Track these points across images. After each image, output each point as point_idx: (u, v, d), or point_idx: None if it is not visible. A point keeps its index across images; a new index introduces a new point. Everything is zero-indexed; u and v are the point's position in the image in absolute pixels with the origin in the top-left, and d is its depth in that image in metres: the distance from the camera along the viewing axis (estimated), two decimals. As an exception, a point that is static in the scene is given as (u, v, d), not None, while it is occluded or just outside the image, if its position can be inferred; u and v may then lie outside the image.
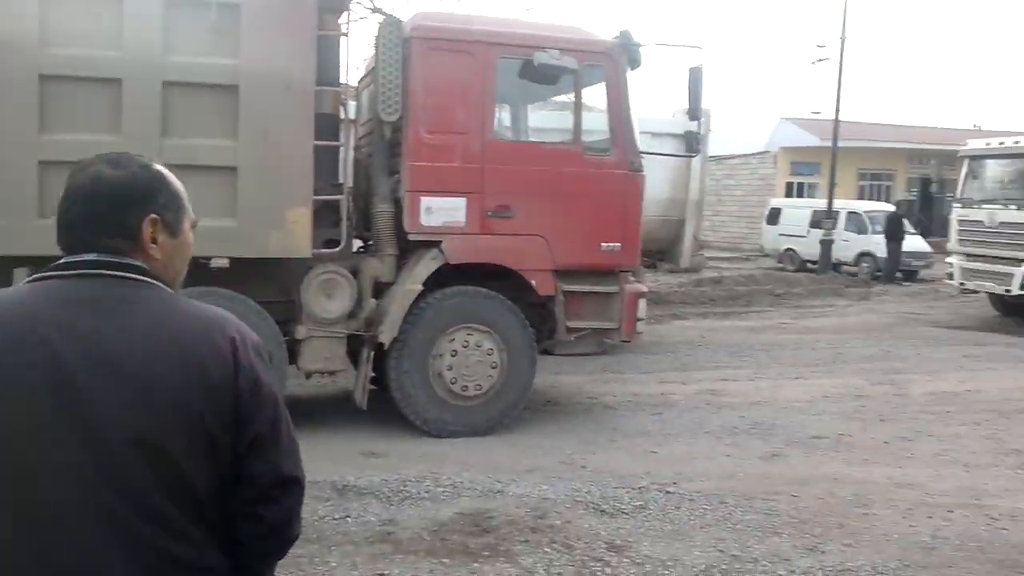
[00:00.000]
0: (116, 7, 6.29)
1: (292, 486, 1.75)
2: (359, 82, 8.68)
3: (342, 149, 7.58)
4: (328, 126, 7.26)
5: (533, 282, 7.45)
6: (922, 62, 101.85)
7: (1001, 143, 15.66)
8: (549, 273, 7.48)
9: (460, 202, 7.29)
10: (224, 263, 6.58)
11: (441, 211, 7.26)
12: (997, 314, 15.75)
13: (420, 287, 7.16)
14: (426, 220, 7.22)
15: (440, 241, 7.26)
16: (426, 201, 7.22)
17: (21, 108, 6.17)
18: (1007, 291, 14.27)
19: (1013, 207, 14.33)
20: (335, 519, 5.26)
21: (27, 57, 6.15)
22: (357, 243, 8.00)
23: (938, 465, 6.83)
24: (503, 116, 8.62)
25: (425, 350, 7.21)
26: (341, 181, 7.51)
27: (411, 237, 7.30)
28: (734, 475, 6.43)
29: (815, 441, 7.40)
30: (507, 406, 7.44)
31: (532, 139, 8.79)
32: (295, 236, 6.75)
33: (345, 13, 7.67)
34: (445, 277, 7.32)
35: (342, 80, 7.60)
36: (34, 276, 1.68)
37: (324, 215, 7.22)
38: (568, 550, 4.92)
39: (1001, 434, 7.77)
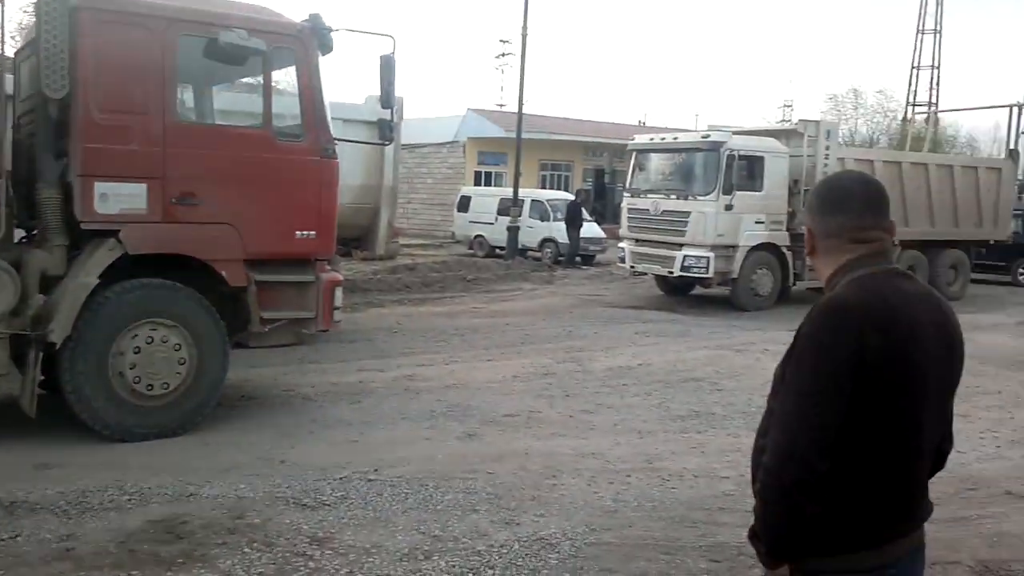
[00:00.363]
0: None
1: None
2: (16, 54, 7.80)
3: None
4: (-20, 101, 6.45)
5: (223, 273, 7.11)
6: (596, 59, 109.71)
7: (663, 138, 17.30)
8: (240, 263, 7.17)
9: (140, 188, 6.79)
10: None
11: (118, 197, 6.72)
12: (662, 293, 17.41)
13: (95, 280, 6.58)
14: (101, 207, 6.65)
15: (118, 230, 6.72)
16: (100, 187, 6.64)
17: None
18: (670, 272, 15.84)
19: (673, 196, 15.88)
20: (3, 540, 4.73)
21: None
22: (20, 233, 7.21)
23: (616, 434, 7.41)
24: (187, 97, 8.15)
25: (103, 348, 6.65)
26: (-2, 164, 6.71)
27: (84, 226, 6.69)
28: (433, 458, 6.57)
29: (508, 419, 7.75)
30: (198, 404, 7.05)
31: (220, 122, 8.38)
32: None
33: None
34: (126, 269, 6.79)
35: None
36: None
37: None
38: (269, 548, 4.78)
39: (668, 402, 8.60)
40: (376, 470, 6.17)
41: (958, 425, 8.39)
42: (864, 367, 2.02)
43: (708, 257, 15.13)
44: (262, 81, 7.54)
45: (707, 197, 15.22)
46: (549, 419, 7.84)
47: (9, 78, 7.40)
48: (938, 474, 2.32)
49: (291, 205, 7.42)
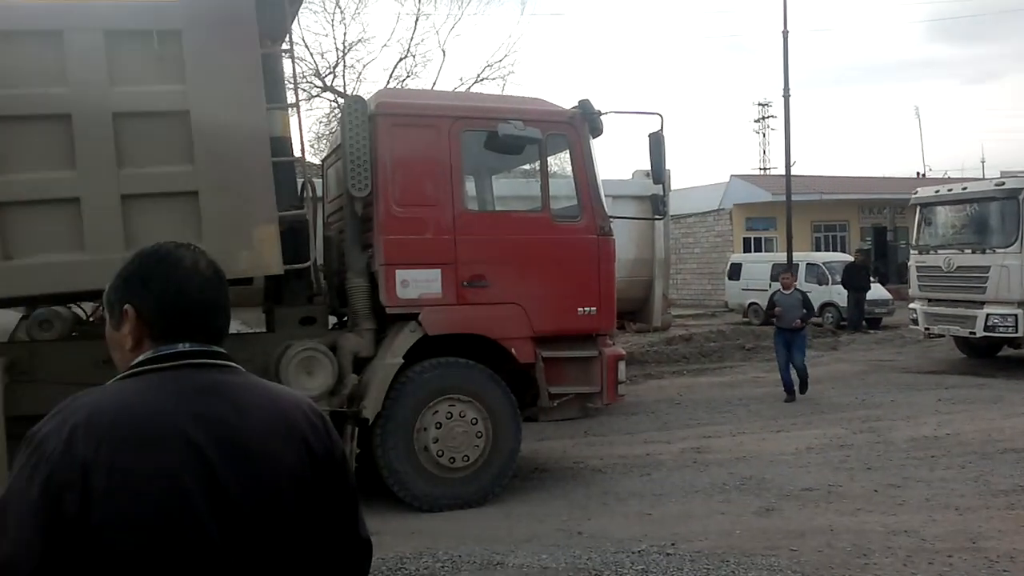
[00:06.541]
0: (57, 45, 6.05)
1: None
2: (323, 160, 8.68)
3: (312, 224, 7.48)
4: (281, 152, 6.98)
5: (513, 350, 7.40)
6: (861, 115, 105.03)
7: (949, 190, 16.09)
8: (528, 340, 7.44)
9: (435, 273, 7.28)
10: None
11: (416, 283, 7.24)
12: (963, 356, 15.97)
13: (401, 360, 7.08)
14: (402, 293, 7.18)
15: (417, 313, 7.21)
16: (401, 274, 7.19)
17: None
18: (972, 333, 14.47)
19: (968, 251, 14.64)
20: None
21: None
22: (332, 319, 7.92)
23: (930, 510, 6.81)
24: (470, 187, 8.68)
25: (409, 424, 7.10)
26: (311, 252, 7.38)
27: (389, 311, 7.24)
28: (731, 532, 6.36)
29: (806, 493, 7.35)
30: (496, 475, 7.32)
31: (501, 208, 8.83)
32: (263, 255, 6.45)
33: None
34: (425, 349, 7.25)
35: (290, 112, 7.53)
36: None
37: (295, 289, 7.28)
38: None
39: (987, 476, 7.79)
40: (674, 544, 6.05)
41: None
42: None
43: (1016, 315, 13.71)
44: (538, 167, 7.88)
45: (1008, 249, 13.89)
46: (851, 493, 7.35)
47: (319, 182, 8.27)
48: None
49: (572, 283, 7.63)
